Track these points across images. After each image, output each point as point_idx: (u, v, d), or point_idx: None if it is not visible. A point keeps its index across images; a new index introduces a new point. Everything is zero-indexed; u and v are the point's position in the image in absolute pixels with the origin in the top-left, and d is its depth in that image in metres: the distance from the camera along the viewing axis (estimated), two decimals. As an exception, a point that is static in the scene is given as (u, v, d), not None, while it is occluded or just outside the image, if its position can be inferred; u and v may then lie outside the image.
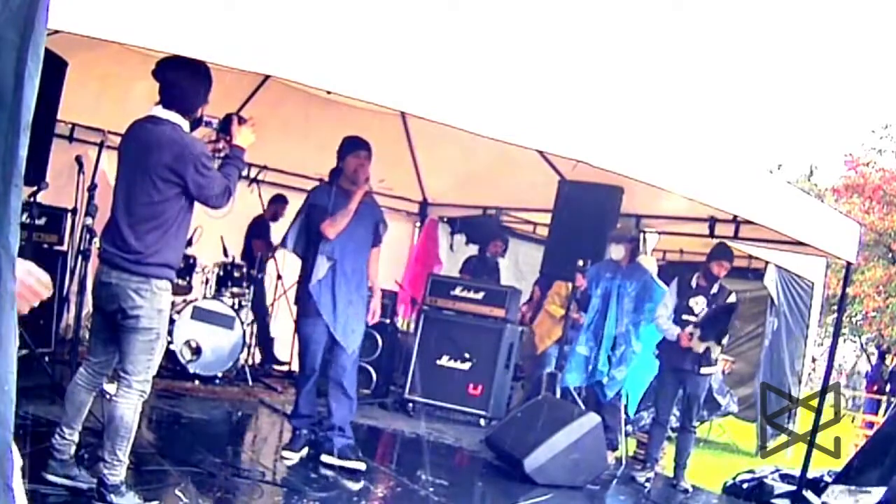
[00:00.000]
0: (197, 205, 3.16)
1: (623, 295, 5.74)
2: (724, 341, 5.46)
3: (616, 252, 5.81)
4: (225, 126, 3.29)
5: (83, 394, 3.19)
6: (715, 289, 5.51)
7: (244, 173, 7.37)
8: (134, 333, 3.03)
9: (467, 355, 6.53)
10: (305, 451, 4.55)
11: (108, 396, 4.44)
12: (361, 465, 4.41)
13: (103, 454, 3.06)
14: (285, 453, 4.47)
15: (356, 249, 4.49)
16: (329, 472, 4.31)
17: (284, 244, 4.68)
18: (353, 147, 4.46)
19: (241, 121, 3.30)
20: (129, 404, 3.05)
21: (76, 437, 3.20)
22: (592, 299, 5.87)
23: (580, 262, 5.68)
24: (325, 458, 4.42)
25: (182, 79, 3.06)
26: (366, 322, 4.62)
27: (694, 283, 5.54)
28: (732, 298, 5.52)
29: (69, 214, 5.75)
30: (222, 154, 3.30)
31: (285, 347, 7.49)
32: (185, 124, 3.11)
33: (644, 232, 6.43)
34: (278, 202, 7.42)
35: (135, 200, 3.03)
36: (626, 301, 5.74)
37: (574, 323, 6.19)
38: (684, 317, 5.47)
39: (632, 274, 5.75)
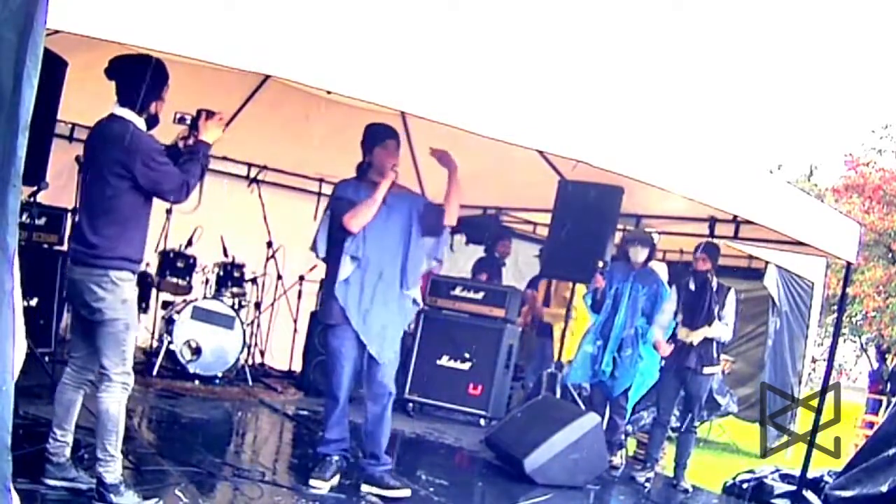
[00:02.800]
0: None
1: (634, 298, 5.72)
2: (720, 327, 5.41)
3: (638, 254, 5.74)
4: (197, 122, 3.27)
5: (70, 393, 3.19)
6: (714, 286, 5.51)
7: (244, 173, 7.44)
8: (101, 327, 3.05)
9: (467, 355, 6.53)
10: (337, 479, 4.01)
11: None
12: (406, 492, 4.04)
13: (96, 452, 3.06)
14: (313, 482, 3.90)
15: (392, 248, 4.03)
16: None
17: (315, 250, 4.09)
18: (380, 136, 4.07)
19: (210, 115, 3.27)
20: (113, 398, 3.04)
21: (69, 439, 3.18)
22: (605, 300, 5.84)
23: (600, 264, 5.65)
24: (365, 487, 4.01)
25: (131, 76, 3.06)
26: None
27: (692, 286, 5.53)
28: (732, 293, 5.52)
29: (69, 214, 5.75)
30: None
31: (284, 350, 7.49)
32: (138, 121, 3.11)
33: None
34: None
35: (91, 197, 3.09)
36: (637, 304, 5.71)
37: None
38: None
39: (644, 278, 5.72)
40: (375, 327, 3.96)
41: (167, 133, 3.33)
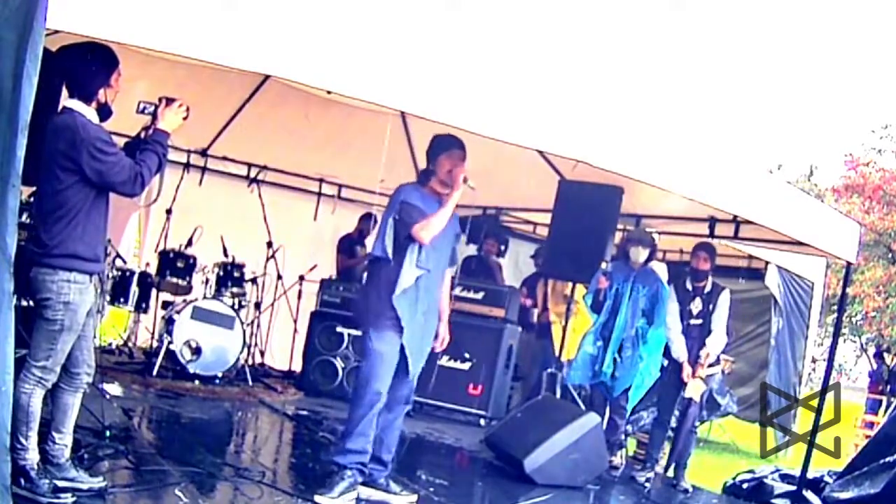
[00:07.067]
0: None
1: (635, 298, 5.70)
2: (712, 341, 5.44)
3: (640, 254, 5.71)
4: (157, 110, 3.16)
5: (66, 396, 3.14)
6: (708, 287, 5.51)
7: (244, 173, 7.44)
8: (40, 320, 2.97)
9: (467, 355, 6.52)
10: (345, 497, 3.72)
11: (107, 396, 4.45)
12: (412, 498, 3.98)
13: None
14: (319, 498, 3.65)
15: (439, 263, 3.95)
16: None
17: (381, 252, 3.81)
18: (447, 146, 3.90)
19: (169, 102, 3.13)
20: (26, 389, 2.96)
21: (68, 441, 3.16)
22: (605, 300, 5.83)
23: (603, 265, 5.64)
24: (367, 490, 3.86)
25: (75, 64, 2.98)
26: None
27: (689, 287, 5.53)
28: (726, 294, 5.52)
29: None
30: None
31: (284, 350, 7.49)
32: (88, 111, 3.00)
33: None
34: (367, 220, 7.51)
35: (42, 193, 2.99)
36: (638, 305, 5.70)
37: None
38: (690, 321, 5.49)
39: (645, 278, 5.71)
40: (419, 341, 3.87)
41: (134, 125, 3.24)
